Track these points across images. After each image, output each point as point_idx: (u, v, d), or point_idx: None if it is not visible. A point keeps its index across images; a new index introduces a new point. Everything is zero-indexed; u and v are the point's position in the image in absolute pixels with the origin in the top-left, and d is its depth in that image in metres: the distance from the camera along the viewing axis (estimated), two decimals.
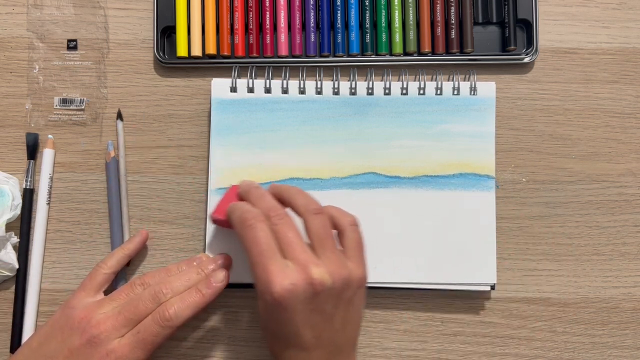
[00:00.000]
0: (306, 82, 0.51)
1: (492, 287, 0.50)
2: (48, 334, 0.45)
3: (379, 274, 0.49)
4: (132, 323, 0.43)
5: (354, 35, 0.52)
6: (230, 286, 0.50)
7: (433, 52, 0.52)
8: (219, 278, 0.45)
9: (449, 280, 0.49)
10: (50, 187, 0.51)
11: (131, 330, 0.43)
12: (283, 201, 0.44)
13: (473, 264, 0.49)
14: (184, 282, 0.45)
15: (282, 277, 0.39)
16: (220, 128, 0.50)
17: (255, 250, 0.41)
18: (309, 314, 0.40)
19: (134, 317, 0.43)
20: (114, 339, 0.43)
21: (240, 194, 0.47)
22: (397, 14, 0.52)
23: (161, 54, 0.52)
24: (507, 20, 0.52)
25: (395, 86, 0.51)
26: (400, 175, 0.50)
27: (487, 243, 0.50)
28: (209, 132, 0.51)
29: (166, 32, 0.53)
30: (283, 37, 0.52)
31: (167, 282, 0.45)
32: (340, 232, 0.44)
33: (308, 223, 0.42)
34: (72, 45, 0.52)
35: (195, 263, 0.47)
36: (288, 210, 0.44)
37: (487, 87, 0.51)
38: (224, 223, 0.46)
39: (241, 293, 0.51)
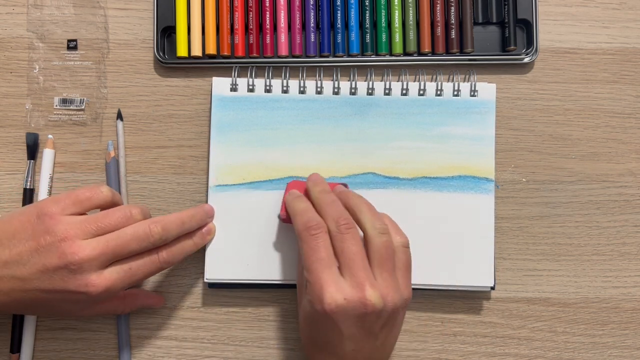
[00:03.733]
0: (306, 82, 0.51)
1: (492, 287, 0.50)
2: (17, 232, 0.42)
3: None
4: (118, 257, 0.42)
5: (354, 35, 0.52)
6: (229, 286, 0.51)
7: (433, 52, 0.52)
8: (209, 230, 0.48)
9: (446, 282, 0.49)
10: (51, 187, 0.51)
11: (119, 263, 0.42)
12: (349, 210, 0.44)
13: (470, 267, 0.49)
14: (178, 227, 0.45)
15: (336, 290, 0.40)
16: (220, 125, 0.50)
17: (314, 257, 0.41)
18: (354, 329, 0.41)
19: (122, 251, 0.42)
20: (95, 270, 0.41)
21: (308, 189, 0.46)
22: (397, 14, 0.52)
23: (161, 54, 0.52)
24: (507, 20, 0.52)
25: (396, 87, 0.51)
26: (400, 176, 0.50)
27: (484, 246, 0.50)
28: (209, 131, 0.51)
29: (166, 32, 0.53)
30: (283, 37, 0.52)
31: (163, 225, 0.44)
32: (395, 253, 0.43)
33: (371, 240, 0.42)
34: (72, 45, 0.52)
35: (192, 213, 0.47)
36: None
37: (488, 88, 0.51)
38: (289, 220, 0.46)
39: (241, 293, 0.51)
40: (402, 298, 0.42)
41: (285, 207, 0.47)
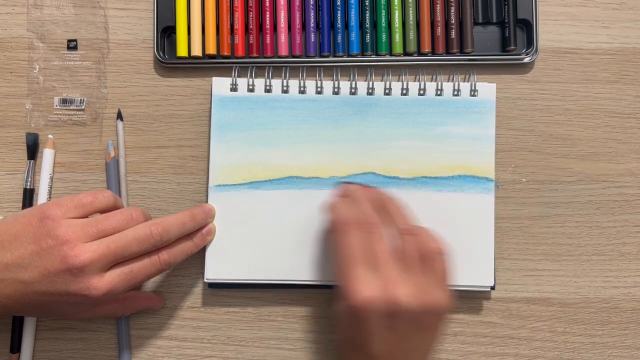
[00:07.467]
0: (306, 82, 0.51)
1: (492, 287, 0.50)
2: (19, 235, 0.42)
3: None
4: (119, 259, 0.42)
5: (354, 35, 0.52)
6: (229, 286, 0.51)
7: (433, 52, 0.52)
8: (210, 231, 0.48)
9: None
10: (51, 187, 0.51)
11: (120, 266, 0.43)
12: (382, 211, 0.44)
13: (470, 266, 0.49)
14: (178, 228, 0.45)
15: (364, 287, 0.40)
16: (220, 125, 0.50)
17: (344, 254, 0.42)
18: (383, 329, 0.41)
19: (124, 254, 0.42)
20: (97, 273, 0.41)
21: (343, 193, 0.47)
22: (397, 14, 0.52)
23: (161, 54, 0.52)
24: (507, 20, 0.52)
25: (396, 86, 0.51)
26: (400, 175, 0.50)
27: (485, 245, 0.50)
28: (209, 131, 0.51)
29: (166, 32, 0.53)
30: (283, 37, 0.52)
31: (164, 226, 0.44)
32: (427, 258, 0.43)
33: (398, 241, 0.43)
34: (72, 45, 0.52)
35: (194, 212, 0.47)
36: None
37: (488, 88, 0.51)
38: None
39: (241, 293, 0.51)
40: (434, 301, 0.41)
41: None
